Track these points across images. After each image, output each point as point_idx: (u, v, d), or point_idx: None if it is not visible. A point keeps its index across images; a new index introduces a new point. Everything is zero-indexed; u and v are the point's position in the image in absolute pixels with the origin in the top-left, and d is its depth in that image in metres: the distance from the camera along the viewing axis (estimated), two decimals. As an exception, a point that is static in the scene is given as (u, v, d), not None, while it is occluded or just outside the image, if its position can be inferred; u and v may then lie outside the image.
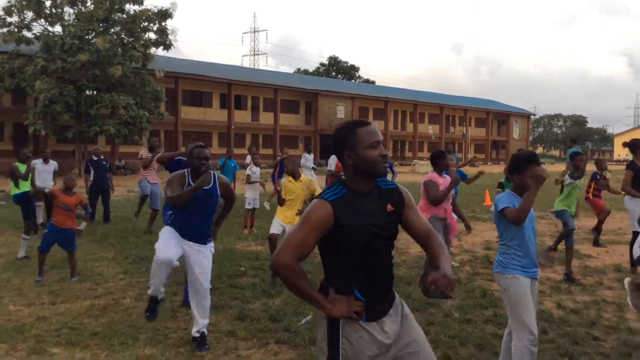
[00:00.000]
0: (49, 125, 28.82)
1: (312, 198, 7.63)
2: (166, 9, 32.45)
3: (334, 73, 76.68)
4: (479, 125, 63.95)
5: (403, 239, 10.55)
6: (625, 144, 8.55)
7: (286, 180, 7.45)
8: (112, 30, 31.59)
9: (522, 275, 3.99)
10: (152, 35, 33.16)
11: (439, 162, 6.74)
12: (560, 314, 6.01)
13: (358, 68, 78.47)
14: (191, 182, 4.95)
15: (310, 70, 78.27)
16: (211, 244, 5.11)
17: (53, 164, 11.31)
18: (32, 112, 28.75)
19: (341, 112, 49.53)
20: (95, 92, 30.39)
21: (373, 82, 75.59)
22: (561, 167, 50.85)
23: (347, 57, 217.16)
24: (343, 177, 2.74)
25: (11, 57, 28.83)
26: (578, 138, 17.11)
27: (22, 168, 9.65)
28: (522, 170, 4.17)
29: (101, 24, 30.58)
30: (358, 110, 50.79)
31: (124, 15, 31.61)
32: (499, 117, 66.83)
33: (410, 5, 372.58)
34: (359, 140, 2.63)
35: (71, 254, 7.34)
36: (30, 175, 9.63)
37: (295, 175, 7.39)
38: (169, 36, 33.29)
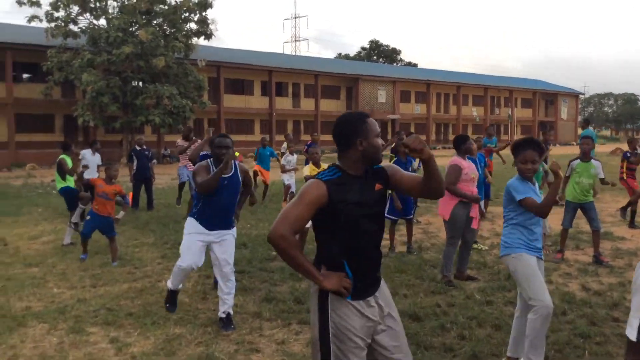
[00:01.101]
0: (97, 116, 29.75)
1: None
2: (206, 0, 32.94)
3: (375, 57, 76.23)
4: (525, 105, 62.66)
5: (436, 222, 10.64)
6: None
7: (310, 169, 7.64)
8: (155, 22, 32.25)
9: (527, 253, 4.11)
10: (193, 26, 33.77)
11: (462, 147, 6.80)
12: (582, 296, 6.05)
13: (399, 51, 77.82)
14: (214, 169, 5.22)
15: (352, 55, 77.98)
16: (234, 229, 5.40)
17: (98, 156, 11.77)
18: (81, 104, 29.71)
19: (382, 96, 49.32)
20: (140, 83, 31.20)
21: (415, 65, 74.84)
22: (612, 147, 49.37)
23: (389, 40, 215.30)
24: (337, 162, 2.94)
25: (59, 51, 29.79)
26: (592, 120, 16.87)
27: (69, 161, 10.11)
28: (516, 154, 4.25)
29: (144, 16, 31.27)
30: (400, 94, 50.48)
31: (165, 7, 32.21)
32: (546, 97, 65.31)
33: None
34: (370, 130, 2.86)
35: (111, 239, 7.75)
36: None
37: (317, 164, 7.60)
38: (210, 26, 33.84)
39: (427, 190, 2.96)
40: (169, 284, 5.51)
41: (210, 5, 33.33)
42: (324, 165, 7.78)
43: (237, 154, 13.34)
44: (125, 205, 8.17)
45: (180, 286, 5.60)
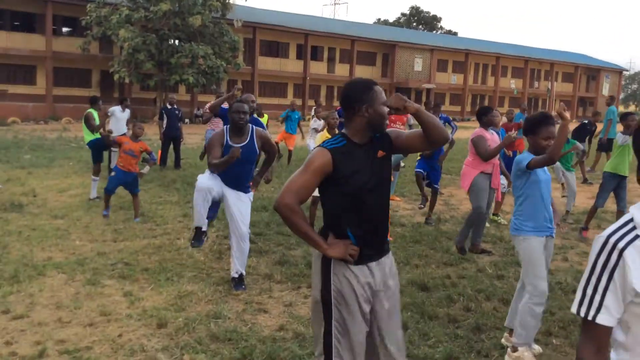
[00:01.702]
0: (132, 73, 29.99)
1: None
2: (246, -42, 32.67)
3: (414, 24, 74.91)
4: (566, 80, 61.04)
5: (458, 195, 10.59)
6: None
7: (325, 135, 7.57)
8: (193, -21, 32.13)
9: (534, 236, 4.08)
10: (231, -15, 33.56)
11: (483, 118, 6.71)
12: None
13: (440, 18, 76.27)
14: (229, 139, 5.20)
15: (391, 21, 76.77)
16: (251, 194, 5.43)
17: (128, 112, 11.89)
18: (117, 60, 29.99)
19: (419, 64, 48.56)
20: (176, 42, 31.30)
21: (455, 34, 73.34)
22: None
23: (430, 7, 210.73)
24: (343, 130, 2.96)
25: (98, 6, 29.96)
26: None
27: (96, 115, 10.29)
28: (536, 131, 4.20)
29: (183, -27, 31.17)
30: (437, 63, 49.62)
31: (205, -35, 32.03)
32: (589, 72, 63.47)
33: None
34: (376, 97, 2.88)
35: (135, 196, 7.93)
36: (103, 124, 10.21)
37: (333, 129, 7.51)
38: (248, -14, 33.62)
39: (430, 139, 2.96)
40: (194, 221, 5.51)
41: (248, -35, 33.09)
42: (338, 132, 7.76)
43: (265, 116, 13.43)
44: (152, 161, 8.28)
45: (206, 226, 5.54)
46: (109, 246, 6.52)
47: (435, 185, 8.37)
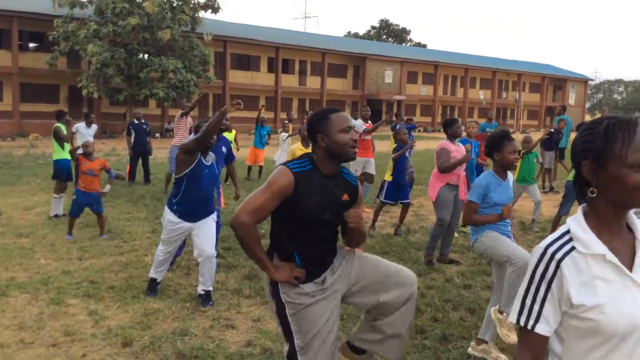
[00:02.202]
0: (101, 88, 29.68)
1: None
2: (215, -28, 32.69)
3: (384, 37, 75.63)
4: (533, 90, 62.13)
5: (428, 205, 10.67)
6: None
7: (297, 148, 7.59)
8: (162, -7, 32.03)
9: (493, 230, 4.21)
10: (200, -1, 33.53)
11: (449, 130, 6.81)
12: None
13: (409, 31, 77.39)
14: (201, 155, 5.17)
15: (361, 34, 77.39)
16: (214, 213, 5.41)
17: (95, 127, 11.74)
18: (86, 75, 29.67)
19: (389, 76, 49.01)
20: (145, 56, 31.12)
21: (424, 46, 74.23)
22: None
23: (400, 20, 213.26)
24: (313, 155, 2.95)
25: (66, 21, 29.65)
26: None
27: (64, 128, 10.14)
28: (501, 148, 4.29)
29: (151, -12, 31.05)
30: (407, 75, 50.14)
31: (174, -21, 31.97)
32: (555, 82, 64.73)
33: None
34: (332, 125, 2.84)
35: (99, 215, 7.81)
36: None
37: (307, 142, 7.54)
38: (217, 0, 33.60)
39: (345, 240, 3.07)
40: (151, 273, 5.48)
41: (218, -21, 33.10)
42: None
43: (233, 132, 13.39)
44: (111, 178, 8.12)
45: (161, 278, 5.54)
46: (74, 264, 6.41)
47: (404, 201, 8.42)
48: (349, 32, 79.72)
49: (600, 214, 1.64)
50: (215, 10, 33.90)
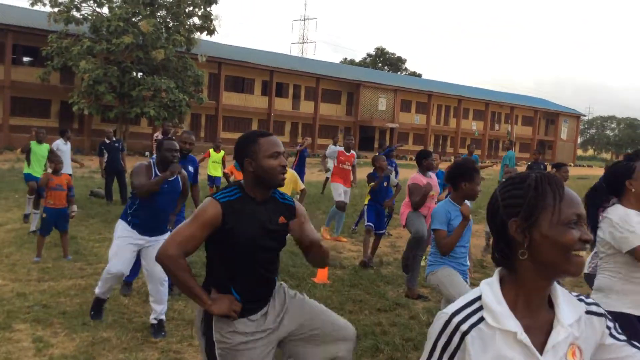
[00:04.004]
0: (92, 105, 29.62)
1: (300, 192, 7.75)
2: (212, -5, 32.93)
3: (380, 64, 76.20)
4: (526, 123, 62.52)
5: (406, 236, 10.54)
6: None
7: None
8: (158, 13, 32.21)
9: (451, 267, 4.16)
10: (196, 20, 33.71)
11: (423, 162, 6.77)
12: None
13: (405, 60, 77.84)
14: (158, 172, 5.11)
15: (357, 60, 77.96)
16: (168, 233, 5.26)
17: (69, 144, 11.61)
18: (77, 91, 29.62)
19: (383, 104, 49.22)
20: (139, 74, 31.14)
21: (419, 75, 74.78)
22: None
23: (397, 48, 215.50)
24: (241, 180, 2.86)
25: (60, 37, 29.69)
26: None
27: (39, 148, 10.05)
28: (470, 178, 4.22)
29: (147, 7, 31.21)
30: (400, 103, 50.37)
31: (170, 0, 32.17)
32: (548, 116, 65.18)
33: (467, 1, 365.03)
34: (260, 149, 2.74)
35: (64, 233, 7.63)
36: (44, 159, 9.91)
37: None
38: (213, 22, 33.81)
39: (309, 254, 2.93)
40: (97, 290, 5.30)
41: (215, 2, 33.35)
42: (289, 171, 7.67)
43: (222, 152, 13.31)
44: (71, 197, 7.88)
45: (108, 295, 5.41)
46: (31, 286, 6.23)
47: (379, 231, 8.30)
48: (345, 59, 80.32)
49: (522, 281, 1.46)
50: (211, 32, 34.08)
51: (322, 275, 7.17)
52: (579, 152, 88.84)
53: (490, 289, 1.47)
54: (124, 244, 5.07)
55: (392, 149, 11.83)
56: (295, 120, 45.62)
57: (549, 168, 14.95)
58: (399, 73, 72.78)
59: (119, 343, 4.80)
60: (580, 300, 1.54)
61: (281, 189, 7.22)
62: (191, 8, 32.99)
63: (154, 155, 5.41)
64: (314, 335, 2.90)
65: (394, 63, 76.94)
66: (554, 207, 1.43)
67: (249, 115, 42.68)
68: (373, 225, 8.18)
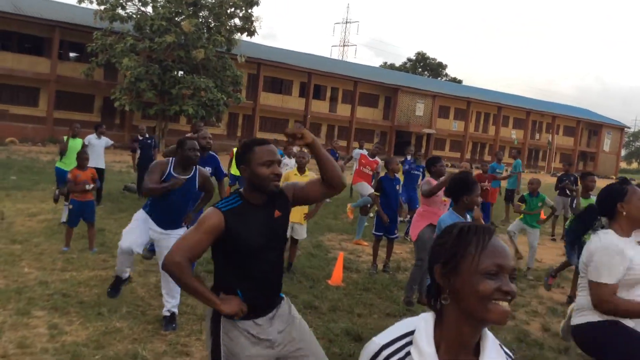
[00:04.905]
0: (133, 101, 30.31)
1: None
2: (254, -3, 33.33)
3: (420, 69, 75.76)
4: (568, 134, 61.27)
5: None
6: None
7: (292, 173, 7.58)
8: (200, 14, 32.75)
9: None
10: (237, 22, 34.15)
11: (432, 168, 6.80)
12: (538, 336, 5.94)
13: (446, 66, 77.03)
14: (172, 170, 5.27)
15: (397, 65, 77.70)
16: (184, 228, 5.42)
17: (105, 139, 11.94)
18: (119, 88, 30.36)
19: (420, 109, 48.94)
20: (179, 73, 31.75)
21: (460, 82, 74.08)
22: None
23: (438, 54, 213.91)
24: (241, 189, 2.98)
25: (105, 34, 30.46)
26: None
27: (73, 143, 10.41)
28: (472, 190, 4.26)
29: (190, 7, 31.77)
30: (438, 109, 50.00)
31: (213, 0, 32.67)
32: (590, 127, 63.75)
33: (511, 6, 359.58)
34: (253, 158, 2.86)
35: (90, 225, 7.90)
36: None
37: (302, 169, 7.53)
38: (254, 23, 34.19)
39: (326, 182, 2.93)
40: (116, 268, 5.56)
41: (256, 3, 33.72)
42: (310, 173, 7.75)
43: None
44: (96, 184, 8.19)
45: (127, 275, 5.65)
46: (55, 275, 6.49)
47: (392, 236, 8.30)
48: (385, 63, 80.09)
49: (448, 325, 1.52)
50: (251, 33, 34.46)
51: (336, 277, 7.26)
52: (623, 164, 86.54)
53: (424, 327, 1.53)
54: (137, 224, 5.29)
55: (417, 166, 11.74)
56: (331, 123, 45.74)
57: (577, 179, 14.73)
58: (439, 79, 72.22)
59: (130, 334, 4.99)
60: (507, 355, 1.60)
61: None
62: (233, 9, 33.43)
63: None
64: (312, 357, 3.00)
65: (435, 68, 76.36)
66: (474, 256, 1.48)
67: (286, 116, 42.98)
68: (380, 235, 8.21)
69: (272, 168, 2.85)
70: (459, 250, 1.51)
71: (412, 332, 1.53)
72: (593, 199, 7.56)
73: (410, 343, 1.50)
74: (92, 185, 7.97)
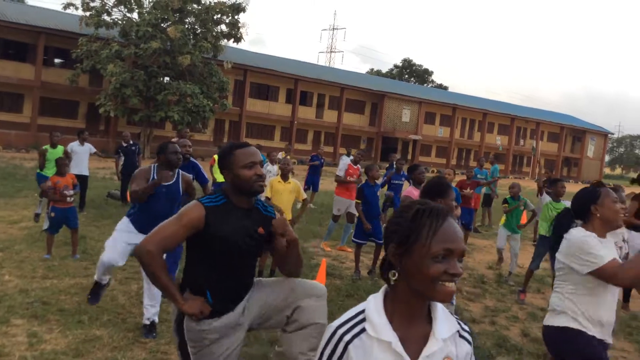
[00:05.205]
0: (118, 107, 30.19)
1: (302, 201, 7.88)
2: (239, 3, 33.39)
3: (406, 76, 76.14)
4: (552, 139, 61.84)
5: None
6: (633, 180, 8.38)
7: (275, 180, 7.62)
8: (187, 20, 32.72)
9: None
10: (223, 28, 34.14)
11: (411, 175, 6.86)
12: (517, 341, 5.99)
13: (431, 72, 77.55)
14: (155, 176, 5.29)
15: (384, 71, 78.02)
16: None
17: (88, 146, 11.91)
18: (104, 94, 30.22)
19: (406, 115, 49.17)
20: (165, 79, 31.68)
21: (446, 88, 74.53)
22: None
23: (425, 60, 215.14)
24: (225, 187, 3.01)
25: (90, 40, 30.34)
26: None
27: (52, 153, 10.39)
28: (445, 195, 4.30)
29: (176, 14, 31.73)
30: (424, 115, 50.27)
31: (198, 7, 32.66)
32: (574, 133, 64.39)
33: (497, 13, 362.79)
34: (235, 161, 2.90)
35: (74, 231, 7.87)
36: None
37: (286, 176, 7.59)
38: (240, 30, 34.20)
39: (282, 268, 3.06)
40: (95, 275, 5.57)
41: (243, 10, 33.74)
42: (293, 180, 7.79)
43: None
44: (76, 190, 8.17)
45: (106, 281, 5.65)
46: (35, 283, 6.45)
47: (379, 241, 8.35)
48: (372, 70, 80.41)
49: (399, 299, 1.61)
50: (238, 39, 34.47)
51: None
52: (607, 170, 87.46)
53: (374, 302, 1.63)
54: (120, 237, 5.29)
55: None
56: (318, 129, 45.83)
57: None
58: (425, 85, 72.64)
59: (110, 341, 4.97)
60: (457, 321, 1.69)
61: (283, 199, 7.33)
62: (219, 15, 33.43)
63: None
64: (282, 303, 3.02)
65: (421, 75, 76.80)
66: (426, 241, 1.55)
67: (273, 122, 43.01)
68: (361, 242, 8.28)
69: (255, 169, 2.90)
70: (412, 233, 1.58)
71: (363, 311, 1.62)
72: (563, 203, 7.71)
73: (363, 320, 1.59)
74: (72, 192, 7.93)
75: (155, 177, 5.30)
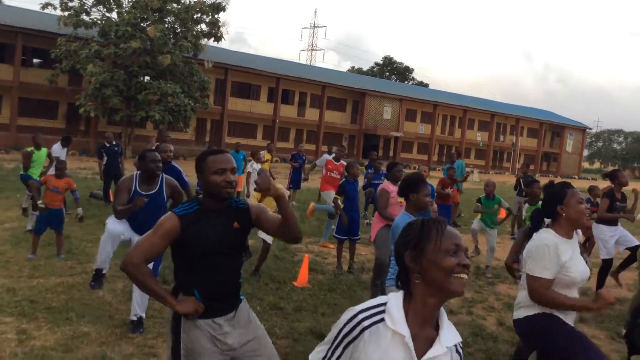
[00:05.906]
0: (98, 107, 30.01)
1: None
2: (219, 2, 33.36)
3: (387, 74, 76.53)
4: (531, 135, 62.59)
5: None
6: (605, 175, 8.62)
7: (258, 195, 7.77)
8: (166, 19, 32.64)
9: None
10: (204, 27, 34.10)
11: (389, 173, 7.04)
12: (493, 330, 6.21)
13: (412, 70, 77.99)
14: (137, 186, 5.39)
15: (365, 69, 78.34)
16: None
17: (66, 149, 11.98)
18: (84, 94, 30.06)
19: (388, 113, 49.50)
20: (145, 79, 31.58)
21: (426, 85, 75.03)
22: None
23: (405, 58, 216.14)
24: (200, 196, 3.16)
25: (69, 40, 30.15)
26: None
27: (38, 155, 10.44)
28: (418, 190, 4.49)
29: (155, 13, 31.64)
30: (405, 112, 50.64)
31: (178, 6, 32.60)
32: (553, 128, 65.23)
33: (477, 11, 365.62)
34: (206, 166, 3.06)
35: (58, 233, 7.96)
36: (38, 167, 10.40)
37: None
38: (220, 29, 34.18)
39: (281, 231, 3.13)
40: (95, 264, 5.72)
41: (223, 9, 33.72)
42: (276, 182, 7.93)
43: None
44: (77, 200, 8.35)
45: (107, 268, 5.76)
46: (22, 282, 6.54)
47: (355, 237, 8.54)
48: (353, 67, 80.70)
49: (416, 299, 1.82)
50: (218, 39, 34.45)
51: (302, 279, 7.46)
52: (586, 164, 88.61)
53: (394, 299, 1.84)
54: (114, 227, 5.47)
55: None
56: (300, 127, 45.95)
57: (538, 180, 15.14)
58: (406, 83, 73.05)
59: (97, 337, 5.10)
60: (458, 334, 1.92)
61: (264, 199, 7.44)
62: (199, 15, 33.38)
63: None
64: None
65: (401, 72, 77.24)
66: (436, 239, 1.82)
67: (255, 121, 43.06)
68: (343, 238, 8.44)
69: (224, 176, 3.03)
70: (423, 236, 1.84)
71: (385, 304, 1.82)
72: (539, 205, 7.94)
73: (384, 312, 1.80)
74: (79, 212, 8.17)
75: (138, 188, 5.39)
